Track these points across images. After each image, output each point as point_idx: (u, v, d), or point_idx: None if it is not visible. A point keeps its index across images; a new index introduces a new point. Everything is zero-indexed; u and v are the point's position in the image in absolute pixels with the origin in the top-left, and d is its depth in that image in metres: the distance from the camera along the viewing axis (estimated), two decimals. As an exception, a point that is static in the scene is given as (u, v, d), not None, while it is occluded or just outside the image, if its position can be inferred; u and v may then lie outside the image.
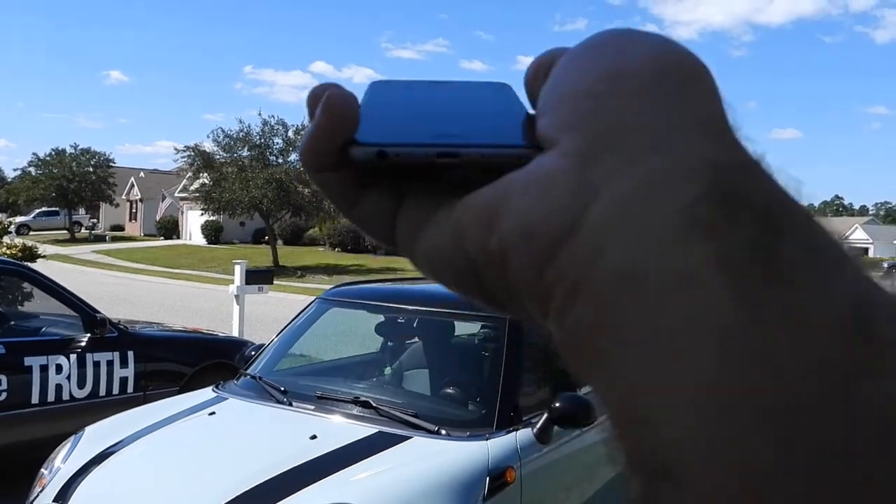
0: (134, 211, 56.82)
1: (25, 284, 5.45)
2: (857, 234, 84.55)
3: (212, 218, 37.84)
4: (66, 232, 48.77)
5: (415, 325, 4.03)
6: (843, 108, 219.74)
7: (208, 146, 30.08)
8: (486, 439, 2.92)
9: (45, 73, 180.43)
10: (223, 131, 29.84)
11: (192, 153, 29.74)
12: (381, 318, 4.10)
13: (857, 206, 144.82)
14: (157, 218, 50.31)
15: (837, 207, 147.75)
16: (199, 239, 44.11)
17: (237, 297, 8.68)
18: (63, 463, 2.98)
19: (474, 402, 3.32)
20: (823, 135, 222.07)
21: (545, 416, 3.11)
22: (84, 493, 2.73)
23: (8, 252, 12.80)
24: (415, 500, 2.51)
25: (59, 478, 2.88)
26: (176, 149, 29.98)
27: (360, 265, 31.35)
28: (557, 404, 3.09)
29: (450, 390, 3.45)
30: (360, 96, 0.32)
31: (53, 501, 2.76)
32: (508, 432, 3.02)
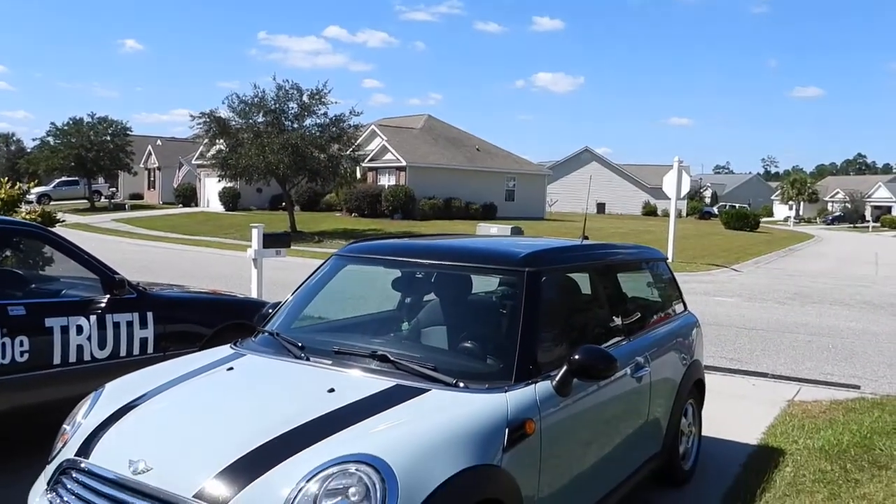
0: (152, 179, 57.03)
1: (44, 247, 5.46)
2: (880, 193, 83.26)
3: (229, 185, 37.87)
4: (85, 201, 49.10)
5: (432, 280, 3.99)
6: (867, 66, 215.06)
7: (224, 112, 29.96)
8: (505, 391, 2.91)
9: (62, 42, 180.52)
10: (238, 97, 29.68)
11: (208, 120, 29.62)
12: (398, 273, 4.06)
13: (880, 165, 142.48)
14: (175, 186, 50.48)
15: (860, 166, 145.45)
16: (216, 206, 44.28)
17: (255, 260, 8.66)
18: (84, 418, 2.99)
19: (493, 356, 3.28)
20: (846, 92, 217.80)
21: (564, 368, 3.08)
22: (106, 446, 2.74)
23: (28, 217, 12.88)
24: (435, 450, 2.50)
25: (81, 432, 2.89)
26: (192, 116, 29.83)
27: (377, 230, 31.36)
28: (577, 356, 3.07)
29: (468, 344, 3.42)
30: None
31: (76, 456, 2.77)
32: (527, 385, 3.00)
